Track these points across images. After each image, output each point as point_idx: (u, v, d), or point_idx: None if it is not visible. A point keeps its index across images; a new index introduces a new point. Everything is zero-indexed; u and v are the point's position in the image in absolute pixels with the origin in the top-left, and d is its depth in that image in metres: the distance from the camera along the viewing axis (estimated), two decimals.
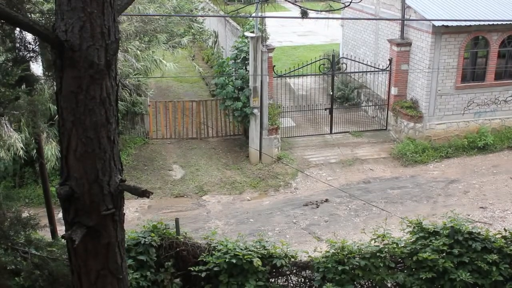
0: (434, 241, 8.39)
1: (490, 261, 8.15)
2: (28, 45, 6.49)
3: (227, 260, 8.15)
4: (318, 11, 8.47)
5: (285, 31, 35.64)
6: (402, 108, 18.39)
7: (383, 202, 14.86)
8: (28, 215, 6.93)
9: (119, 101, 4.95)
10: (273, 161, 17.14)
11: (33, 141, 11.80)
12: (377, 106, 20.13)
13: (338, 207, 14.78)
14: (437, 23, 16.53)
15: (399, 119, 18.59)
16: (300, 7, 7.32)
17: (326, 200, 15.08)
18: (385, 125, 19.55)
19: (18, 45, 6.56)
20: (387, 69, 19.01)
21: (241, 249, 8.33)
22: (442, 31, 16.97)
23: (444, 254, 8.34)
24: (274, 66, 18.30)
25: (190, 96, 22.49)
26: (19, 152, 12.73)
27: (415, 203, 14.83)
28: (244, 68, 17.36)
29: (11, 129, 11.21)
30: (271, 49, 17.51)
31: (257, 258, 8.20)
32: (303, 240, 13.19)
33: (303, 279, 8.73)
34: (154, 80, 22.91)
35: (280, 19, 35.97)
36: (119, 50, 4.42)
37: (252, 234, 12.45)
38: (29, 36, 6.47)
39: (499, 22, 16.38)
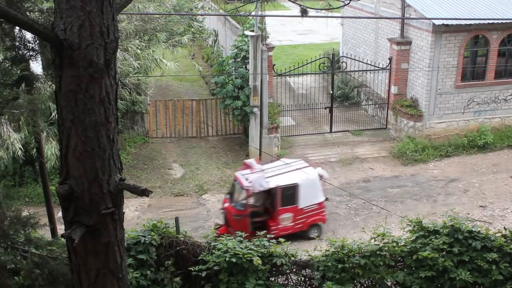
0: (434, 240, 8.39)
1: (490, 260, 8.15)
2: (28, 44, 6.49)
3: (227, 259, 8.14)
4: (318, 9, 8.46)
5: (285, 29, 35.63)
6: (402, 107, 18.39)
7: (383, 201, 14.85)
8: (28, 214, 6.93)
9: (118, 100, 4.93)
10: (273, 160, 17.12)
11: (33, 140, 11.80)
12: (377, 105, 20.12)
13: (338, 206, 14.78)
14: (437, 22, 16.52)
15: (399, 118, 18.58)
16: (300, 5, 7.31)
17: (326, 199, 15.02)
18: (385, 124, 19.54)
19: (17, 43, 6.56)
20: (387, 68, 19.00)
21: (241, 248, 8.32)
22: (442, 30, 16.96)
23: (444, 253, 8.34)
24: (274, 65, 18.30)
25: (190, 95, 22.49)
26: (17, 152, 12.74)
27: (415, 202, 14.82)
28: (244, 67, 17.36)
29: (10, 129, 11.20)
30: (271, 48, 17.50)
31: (257, 257, 8.20)
32: (303, 238, 13.19)
33: (303, 278, 8.73)
34: (154, 79, 22.90)
35: (280, 18, 35.97)
36: (118, 49, 4.41)
37: None
38: (28, 35, 6.47)
39: (499, 21, 16.36)
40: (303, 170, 12.89)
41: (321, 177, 13.03)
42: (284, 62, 25.24)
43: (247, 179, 12.40)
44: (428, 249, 8.27)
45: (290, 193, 12.51)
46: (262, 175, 12.43)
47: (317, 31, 34.39)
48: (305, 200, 12.69)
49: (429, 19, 16.50)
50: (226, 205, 12.78)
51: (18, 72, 6.98)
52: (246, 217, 12.24)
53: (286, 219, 12.57)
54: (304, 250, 8.87)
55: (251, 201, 12.60)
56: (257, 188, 12.21)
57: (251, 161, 13.40)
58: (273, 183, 12.36)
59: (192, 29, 21.55)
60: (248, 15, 17.28)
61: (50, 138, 13.55)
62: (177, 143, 18.62)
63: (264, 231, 9.04)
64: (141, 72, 17.87)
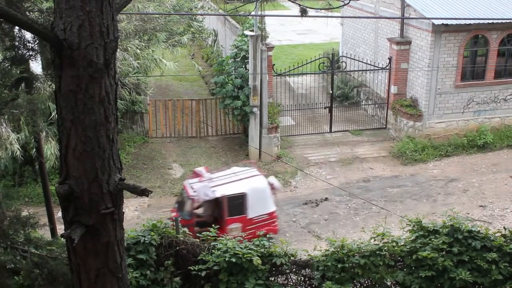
0: (433, 239, 8.39)
1: (490, 259, 8.15)
2: (27, 44, 6.49)
3: (227, 259, 8.15)
4: (318, 9, 8.47)
5: (285, 29, 35.63)
6: (401, 107, 18.39)
7: (382, 200, 14.85)
8: (27, 214, 6.93)
9: (118, 100, 4.91)
10: (273, 159, 17.14)
11: (33, 140, 11.80)
12: (376, 105, 20.12)
13: (337, 205, 14.78)
14: (436, 22, 16.53)
15: (399, 117, 18.58)
16: (300, 5, 7.31)
17: (326, 199, 15.08)
18: (384, 123, 19.54)
19: (17, 43, 6.55)
20: (387, 67, 19.01)
21: (241, 247, 8.33)
22: (441, 30, 16.96)
23: (443, 252, 8.35)
24: (274, 64, 18.30)
25: (189, 95, 22.49)
26: (16, 152, 12.72)
27: (415, 202, 14.82)
28: (243, 66, 17.35)
29: (9, 129, 11.20)
30: (270, 48, 17.50)
31: (257, 257, 8.20)
32: (303, 238, 13.19)
33: (302, 278, 8.73)
34: (154, 79, 22.89)
35: (280, 18, 35.97)
36: (118, 49, 4.41)
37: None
38: (28, 35, 6.47)
39: (499, 21, 16.36)
40: (253, 179, 12.38)
41: (272, 186, 12.54)
42: (284, 62, 25.24)
43: (192, 188, 11.97)
44: (427, 249, 8.28)
45: (237, 202, 11.96)
46: (207, 184, 11.96)
47: (317, 31, 34.39)
48: (254, 210, 12.09)
49: (429, 18, 16.50)
50: (174, 214, 12.05)
51: (18, 72, 6.97)
52: (191, 227, 11.42)
53: (234, 230, 11.84)
54: (303, 250, 8.88)
55: (200, 210, 12.20)
56: (202, 197, 11.76)
57: (200, 169, 12.88)
58: (219, 192, 11.84)
59: (191, 29, 21.54)
60: (248, 15, 17.28)
61: (50, 138, 13.55)
62: (176, 143, 18.62)
63: None
64: (141, 72, 17.87)
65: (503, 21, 16.39)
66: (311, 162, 17.21)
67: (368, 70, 19.81)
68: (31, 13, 6.65)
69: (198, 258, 8.38)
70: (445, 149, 17.48)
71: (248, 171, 12.80)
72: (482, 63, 17.94)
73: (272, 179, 13.03)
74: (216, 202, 12.07)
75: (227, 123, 19.02)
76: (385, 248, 8.48)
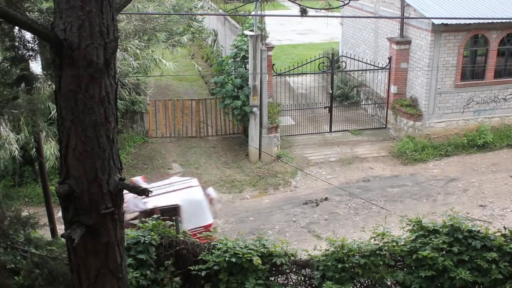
0: (433, 239, 8.40)
1: (490, 259, 8.16)
2: (27, 44, 6.47)
3: (227, 258, 8.15)
4: (318, 9, 8.48)
5: (285, 29, 35.64)
6: (401, 107, 18.39)
7: (382, 200, 14.85)
8: (27, 214, 6.93)
9: (118, 100, 4.88)
10: (273, 159, 17.14)
11: (33, 140, 11.80)
12: (376, 105, 20.12)
13: (337, 205, 14.78)
14: (436, 21, 16.53)
15: (399, 117, 18.59)
16: (300, 5, 7.32)
17: (326, 199, 15.08)
18: (384, 123, 19.54)
19: (17, 43, 6.55)
20: (387, 67, 19.00)
21: (241, 247, 8.33)
22: (441, 29, 16.96)
23: (443, 252, 8.35)
24: (274, 64, 18.30)
25: (189, 95, 22.49)
26: (14, 152, 12.72)
27: (415, 202, 14.83)
28: (243, 66, 17.35)
29: (7, 129, 11.20)
30: (270, 48, 17.50)
31: (257, 257, 8.20)
32: (303, 238, 13.20)
33: (303, 278, 8.73)
34: (154, 79, 22.89)
35: (280, 17, 35.99)
36: (118, 49, 4.41)
37: (251, 233, 12.46)
38: (28, 35, 6.45)
39: (499, 21, 16.36)
40: (188, 191, 11.90)
41: (209, 197, 12.13)
42: (284, 61, 25.25)
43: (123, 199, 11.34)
44: (428, 249, 8.28)
45: (171, 214, 11.12)
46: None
47: (316, 31, 34.40)
48: (189, 223, 11.24)
49: (429, 18, 16.51)
50: None
51: (18, 72, 6.96)
52: None
53: None
54: (304, 250, 8.88)
55: (136, 222, 11.57)
56: (132, 208, 11.13)
57: (137, 178, 12.30)
58: (151, 203, 11.23)
59: (191, 29, 21.54)
60: (248, 15, 17.28)
61: (50, 138, 13.55)
62: (176, 143, 18.62)
63: None
64: (141, 72, 17.87)
65: (503, 20, 16.39)
66: (311, 162, 17.21)
67: (368, 70, 19.81)
68: (31, 13, 6.65)
69: (198, 258, 8.38)
70: (445, 149, 17.49)
71: (185, 182, 12.33)
72: (482, 62, 17.95)
73: (210, 190, 12.59)
74: (150, 214, 11.20)
75: (227, 123, 19.02)
76: (385, 248, 8.48)
